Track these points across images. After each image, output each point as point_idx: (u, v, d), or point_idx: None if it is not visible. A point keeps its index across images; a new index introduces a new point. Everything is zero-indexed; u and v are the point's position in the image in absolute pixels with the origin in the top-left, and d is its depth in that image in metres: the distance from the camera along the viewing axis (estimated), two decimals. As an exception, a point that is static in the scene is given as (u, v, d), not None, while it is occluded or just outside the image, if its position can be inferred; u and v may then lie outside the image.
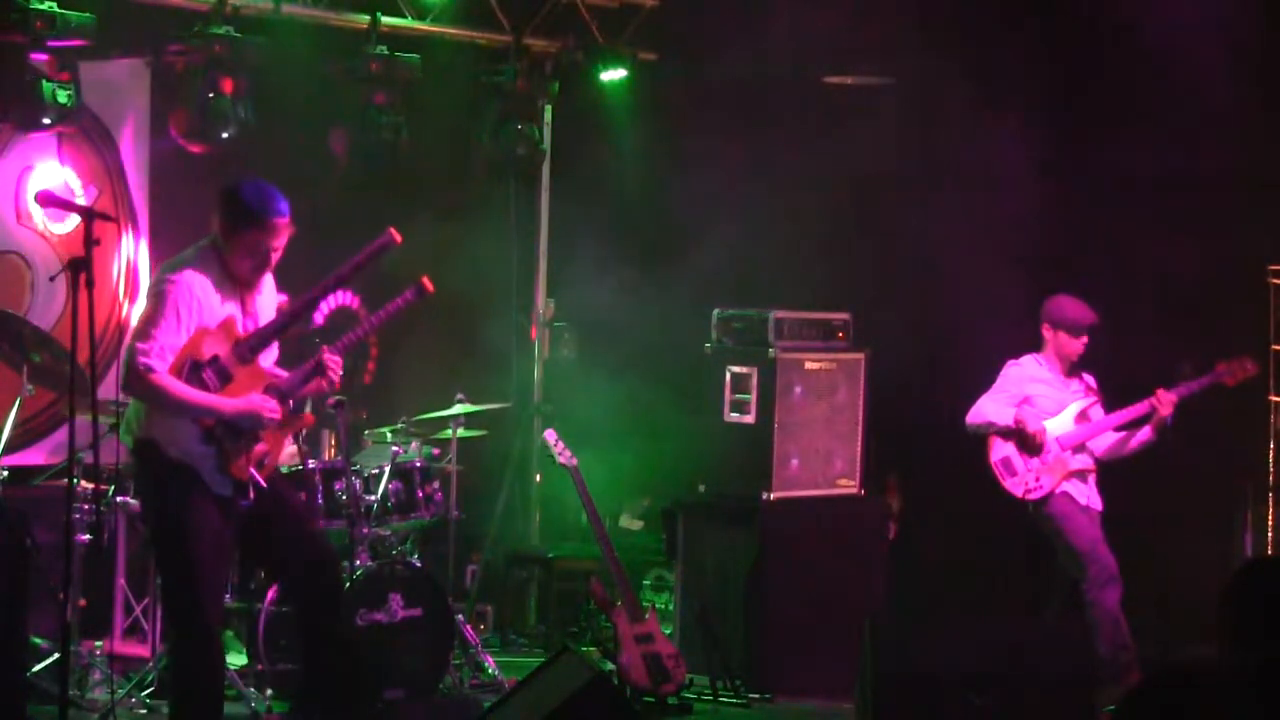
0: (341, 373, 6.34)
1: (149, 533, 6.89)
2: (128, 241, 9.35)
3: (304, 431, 7.67)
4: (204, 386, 6.13)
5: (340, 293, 9.35)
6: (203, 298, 6.15)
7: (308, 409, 6.95)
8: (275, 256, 6.30)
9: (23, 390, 7.85)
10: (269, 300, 6.42)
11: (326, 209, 10.05)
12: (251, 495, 6.27)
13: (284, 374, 6.38)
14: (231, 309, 6.23)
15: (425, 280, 6.37)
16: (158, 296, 6.14)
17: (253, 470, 6.22)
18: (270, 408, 6.18)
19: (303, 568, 6.44)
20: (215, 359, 6.15)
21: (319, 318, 9.48)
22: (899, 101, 10.22)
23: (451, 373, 9.46)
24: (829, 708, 8.26)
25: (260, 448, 6.24)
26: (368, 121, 9.30)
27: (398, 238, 6.27)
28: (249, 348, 6.22)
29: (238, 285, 6.27)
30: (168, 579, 6.38)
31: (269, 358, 6.39)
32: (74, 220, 8.80)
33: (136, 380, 6.07)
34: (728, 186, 10.05)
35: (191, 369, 6.10)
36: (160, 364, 6.05)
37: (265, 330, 6.28)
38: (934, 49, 9.82)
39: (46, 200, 6.85)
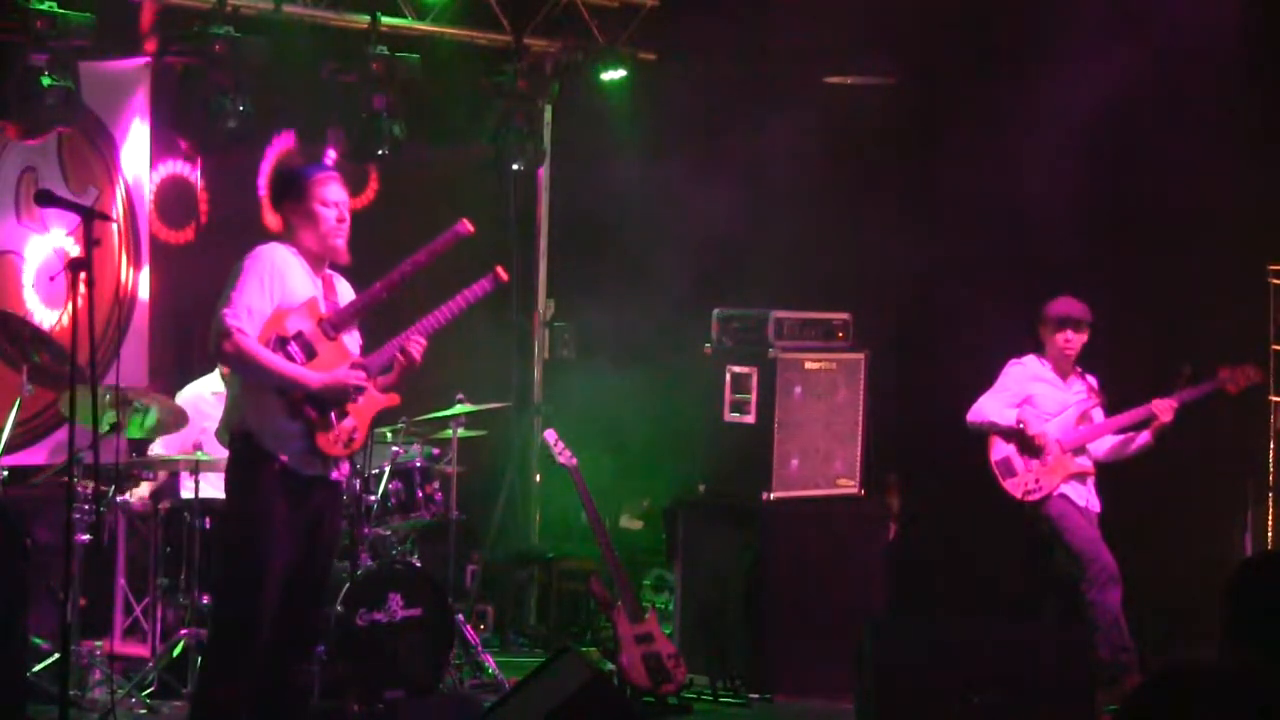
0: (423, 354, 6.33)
1: (222, 521, 6.91)
2: (128, 241, 9.34)
3: None
4: (290, 360, 6.16)
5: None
6: (284, 270, 6.20)
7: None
8: (345, 217, 6.30)
9: (23, 390, 7.86)
10: (347, 295, 6.43)
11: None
12: (342, 471, 6.33)
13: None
14: (314, 290, 6.28)
15: (500, 269, 6.44)
16: (236, 271, 6.20)
17: (342, 447, 6.24)
18: (357, 377, 6.21)
19: (288, 609, 6.26)
20: (300, 334, 6.19)
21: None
22: (899, 101, 10.22)
23: (451, 373, 9.46)
24: (829, 708, 8.26)
25: (348, 423, 6.24)
26: (368, 122, 9.30)
27: (470, 227, 6.35)
28: (332, 325, 6.26)
29: (317, 269, 6.32)
30: (230, 572, 6.35)
31: (353, 343, 6.39)
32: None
33: (225, 343, 6.07)
34: (728, 186, 10.05)
35: (277, 343, 6.14)
36: (248, 326, 6.08)
37: (347, 310, 6.32)
38: (934, 49, 9.82)
39: (46, 200, 6.85)
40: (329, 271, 6.41)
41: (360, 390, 6.23)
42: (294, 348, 6.17)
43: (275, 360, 6.12)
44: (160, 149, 9.31)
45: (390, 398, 6.46)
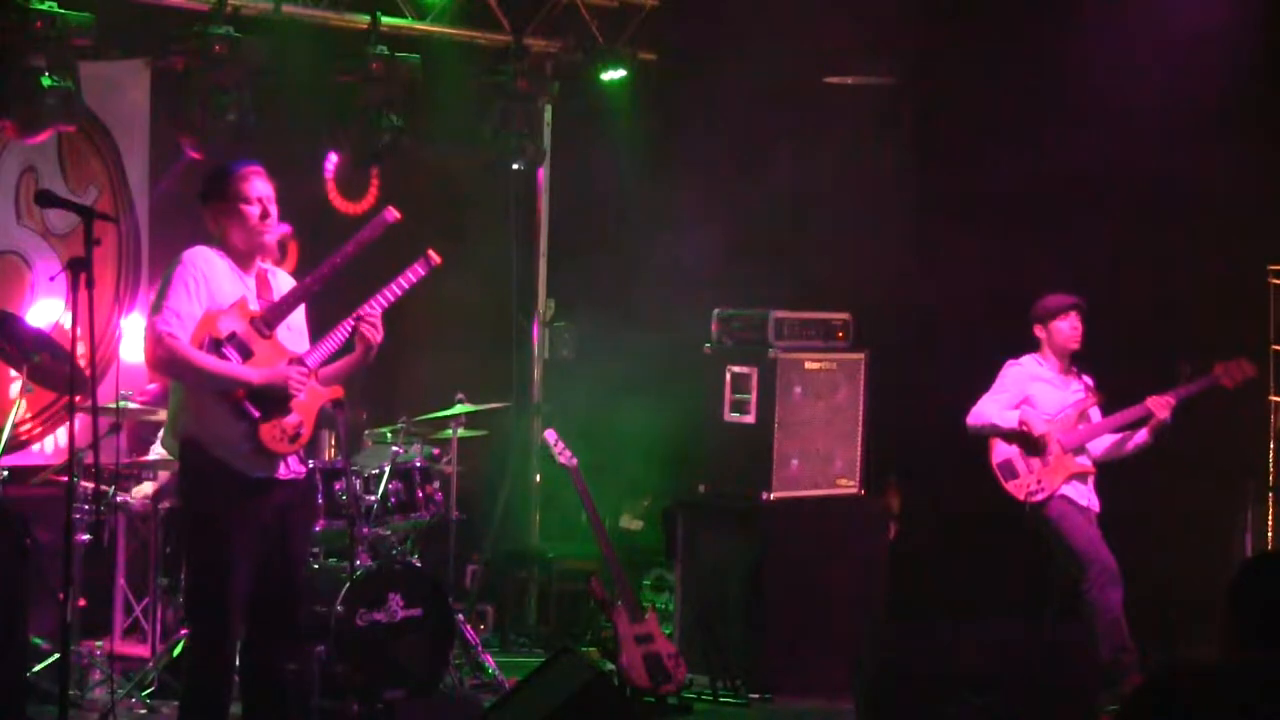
0: (381, 333, 6.24)
1: (182, 529, 6.88)
2: (128, 241, 9.34)
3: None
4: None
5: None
6: (209, 273, 6.12)
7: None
8: (272, 211, 6.21)
9: (23, 390, 7.85)
10: (285, 288, 6.35)
11: (325, 209, 10.06)
12: (293, 469, 6.24)
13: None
14: (243, 290, 6.21)
15: (431, 252, 6.31)
16: (164, 280, 6.15)
17: (288, 443, 6.19)
18: (297, 372, 6.15)
19: (266, 609, 6.26)
20: (234, 335, 6.13)
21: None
22: (899, 101, 10.22)
23: (451, 373, 9.46)
24: (829, 708, 8.26)
25: (293, 419, 6.18)
26: (368, 122, 9.29)
27: (396, 214, 6.24)
28: (265, 322, 6.19)
29: (246, 267, 6.24)
30: (194, 579, 6.33)
31: (295, 339, 6.32)
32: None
33: (159, 349, 6.03)
34: (727, 186, 10.05)
35: (211, 346, 6.08)
36: (180, 330, 6.02)
37: (279, 304, 6.24)
38: (934, 49, 9.83)
39: (46, 200, 6.84)
40: (264, 267, 6.33)
41: (301, 384, 6.15)
42: (229, 349, 6.10)
43: (210, 361, 6.06)
44: (160, 139, 9.29)
45: (334, 390, 6.38)
